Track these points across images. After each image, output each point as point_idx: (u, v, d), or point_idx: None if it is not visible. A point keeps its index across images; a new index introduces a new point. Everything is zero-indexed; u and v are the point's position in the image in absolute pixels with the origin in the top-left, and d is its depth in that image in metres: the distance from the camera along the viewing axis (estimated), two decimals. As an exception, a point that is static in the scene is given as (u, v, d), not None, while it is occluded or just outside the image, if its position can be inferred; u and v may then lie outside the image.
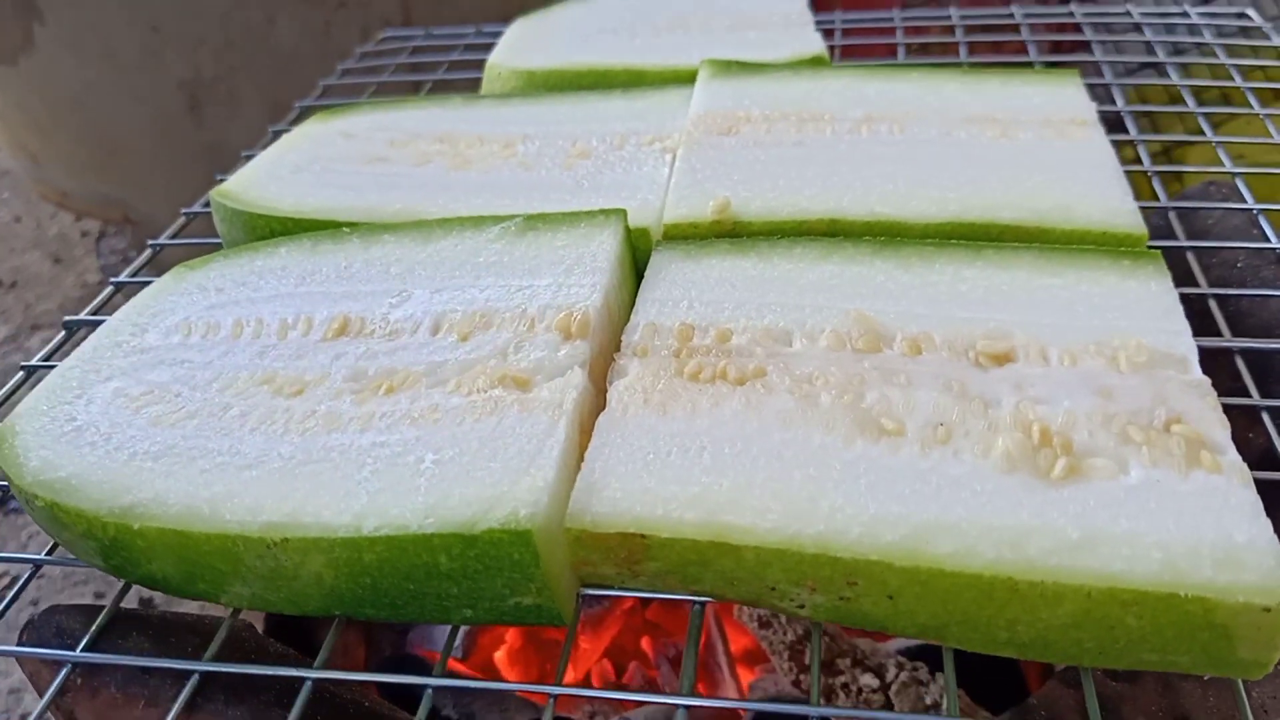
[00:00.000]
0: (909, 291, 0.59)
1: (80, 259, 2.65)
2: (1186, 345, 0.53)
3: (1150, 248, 0.62)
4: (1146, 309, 0.56)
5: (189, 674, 0.51)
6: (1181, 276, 0.68)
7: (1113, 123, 0.81)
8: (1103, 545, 0.44)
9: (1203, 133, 0.85)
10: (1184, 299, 0.57)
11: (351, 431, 0.53)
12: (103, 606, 0.55)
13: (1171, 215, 0.75)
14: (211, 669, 0.51)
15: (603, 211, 0.66)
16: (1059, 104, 0.76)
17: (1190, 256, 0.71)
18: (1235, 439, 0.48)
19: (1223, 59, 0.97)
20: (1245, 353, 0.62)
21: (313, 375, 0.57)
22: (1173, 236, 0.73)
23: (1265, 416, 0.58)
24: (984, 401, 0.51)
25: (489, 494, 0.48)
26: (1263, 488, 0.46)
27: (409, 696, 0.67)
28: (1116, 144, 0.74)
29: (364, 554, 0.47)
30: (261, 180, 0.77)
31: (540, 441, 0.50)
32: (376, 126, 0.85)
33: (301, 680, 0.50)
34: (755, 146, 0.74)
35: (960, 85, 0.80)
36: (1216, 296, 0.67)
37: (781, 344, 0.56)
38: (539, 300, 0.60)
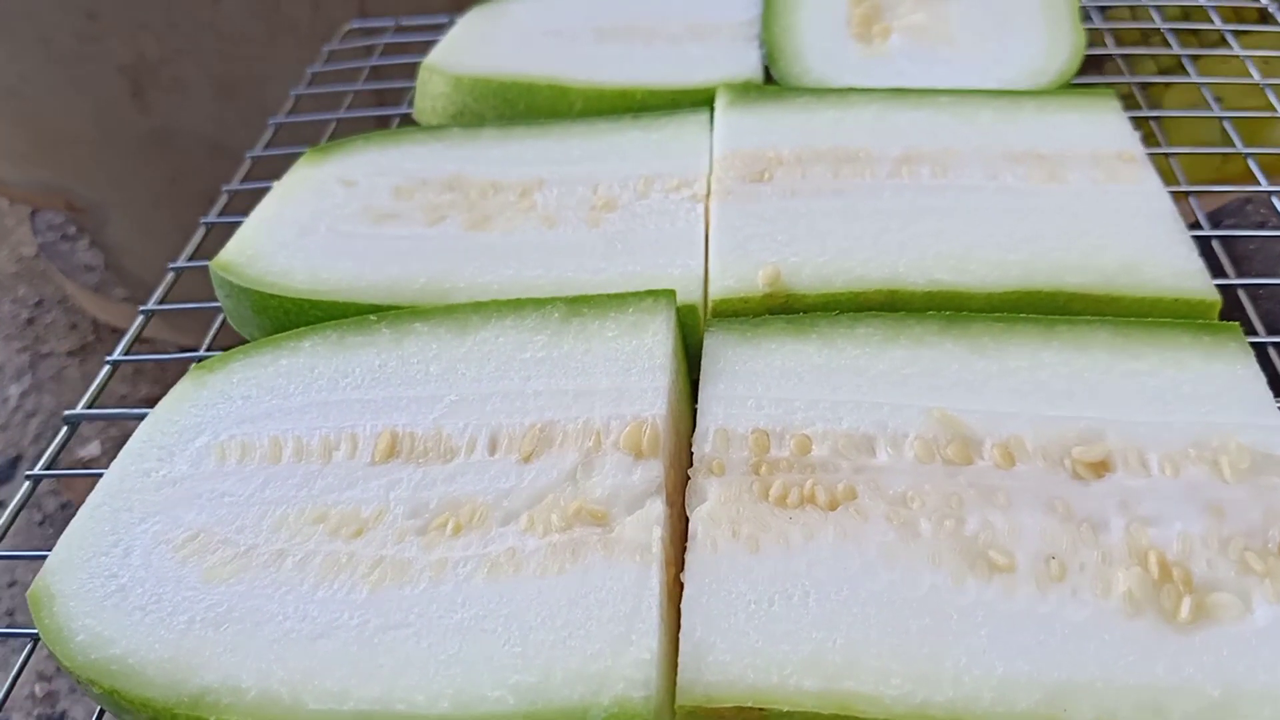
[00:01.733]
0: (988, 383, 0.56)
1: (13, 230, 2.53)
2: (1287, 445, 0.52)
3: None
4: (1238, 398, 0.54)
5: None
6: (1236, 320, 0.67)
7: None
8: (1243, 704, 0.42)
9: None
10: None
11: (425, 584, 0.50)
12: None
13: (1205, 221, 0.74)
14: None
15: (651, 294, 0.62)
16: (1101, 134, 0.73)
17: (1242, 294, 0.69)
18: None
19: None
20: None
21: (369, 511, 0.54)
22: (1215, 257, 0.72)
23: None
24: (1092, 525, 0.49)
25: (593, 669, 0.45)
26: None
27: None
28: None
29: (466, 743, 0.44)
30: (265, 247, 0.72)
31: (636, 598, 0.47)
32: (376, 170, 0.79)
33: None
34: (793, 197, 0.71)
35: (995, 113, 0.76)
36: (1275, 346, 0.66)
37: (866, 454, 0.54)
38: (601, 410, 0.56)
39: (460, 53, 0.93)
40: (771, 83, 0.86)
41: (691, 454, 0.55)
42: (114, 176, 1.70)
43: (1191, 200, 0.78)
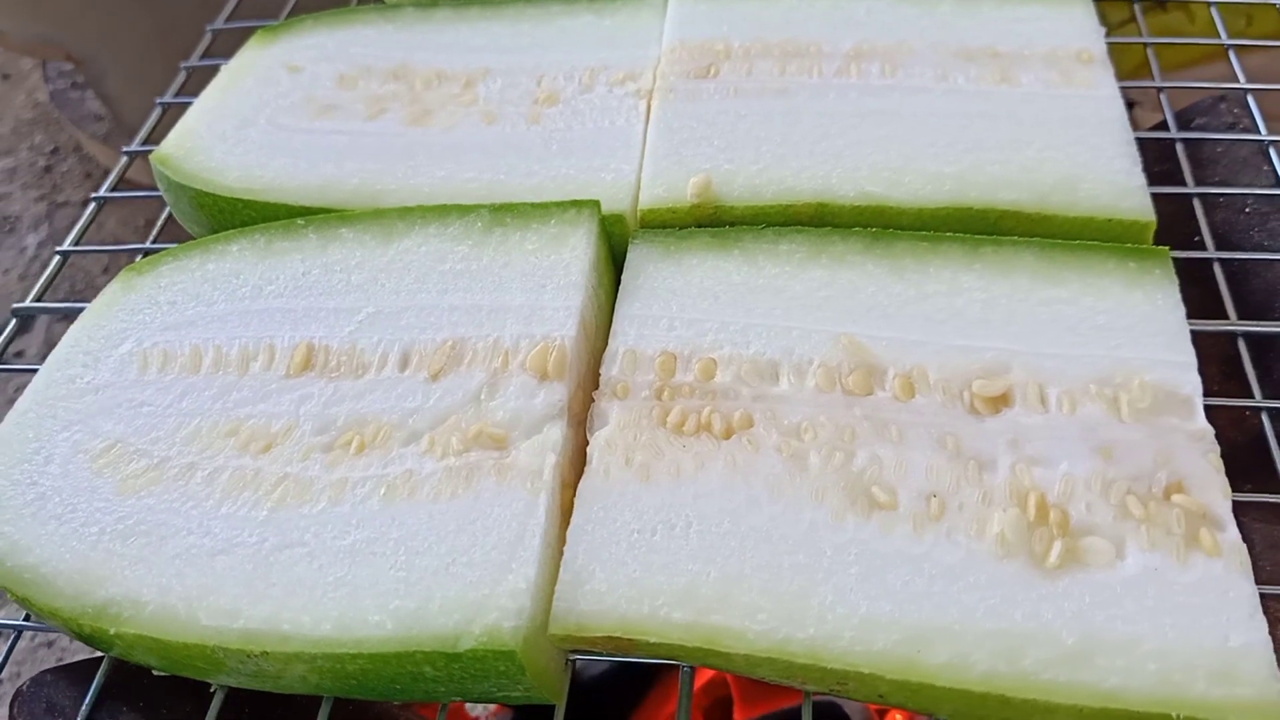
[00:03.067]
0: (904, 308, 0.55)
1: (29, 74, 2.51)
2: (1192, 385, 0.51)
3: (1154, 195, 0.59)
4: (1152, 331, 0.53)
5: (186, 748, 0.51)
6: (1184, 233, 0.65)
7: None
8: (1099, 655, 0.43)
9: None
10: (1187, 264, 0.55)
11: (323, 504, 0.51)
12: (96, 663, 0.55)
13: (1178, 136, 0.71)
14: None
15: (575, 204, 0.61)
16: (1064, 30, 0.70)
17: (1197, 204, 0.67)
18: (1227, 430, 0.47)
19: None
20: (1248, 336, 0.60)
21: (279, 425, 0.55)
22: (1175, 160, 0.69)
23: (1265, 419, 0.56)
24: (979, 464, 0.49)
25: (471, 598, 0.46)
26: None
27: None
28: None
29: (347, 664, 0.46)
30: (205, 140, 0.71)
31: (520, 526, 0.49)
32: (322, 55, 0.78)
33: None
34: (735, 96, 0.68)
35: (956, 3, 0.73)
36: (1221, 261, 0.64)
37: (769, 382, 0.54)
38: (511, 328, 0.56)
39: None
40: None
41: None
42: (105, 28, 1.68)
43: (1162, 97, 0.75)
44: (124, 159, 0.84)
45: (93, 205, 0.79)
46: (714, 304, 0.57)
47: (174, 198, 0.71)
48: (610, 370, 0.55)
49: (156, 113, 0.87)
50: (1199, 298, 0.60)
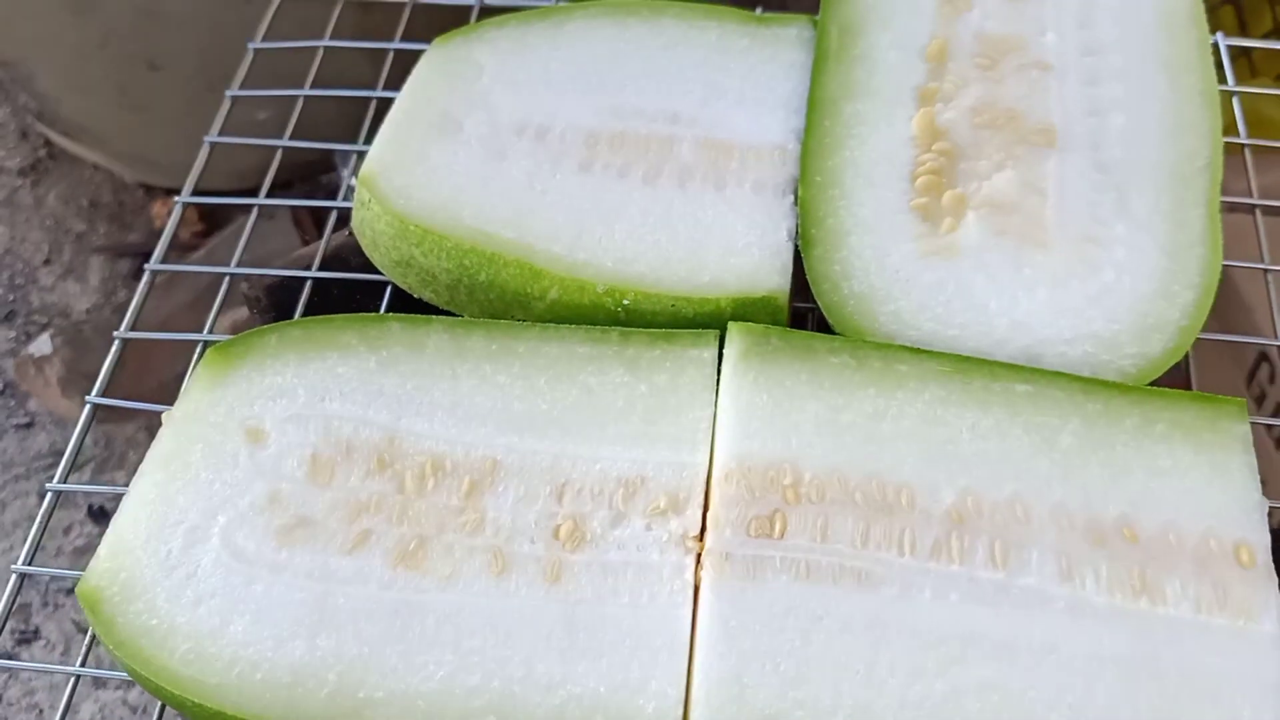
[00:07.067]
0: None
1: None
2: None
3: None
4: None
5: None
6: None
7: None
8: None
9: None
10: None
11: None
12: None
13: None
14: None
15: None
16: (1219, 497, 0.57)
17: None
18: None
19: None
20: None
21: None
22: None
23: None
24: None
25: None
26: None
27: None
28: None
29: None
30: (145, 569, 0.57)
31: None
32: (291, 411, 0.62)
33: None
34: (807, 579, 0.55)
35: (1079, 435, 0.58)
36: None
37: None
38: None
39: (406, 164, 0.72)
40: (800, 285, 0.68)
41: None
42: (38, 37, 1.46)
43: (1246, 156, 0.62)
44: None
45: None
46: None
47: (110, 654, 0.57)
48: None
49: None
50: None
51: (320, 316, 0.67)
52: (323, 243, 0.77)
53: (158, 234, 1.67)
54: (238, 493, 0.60)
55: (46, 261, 1.86)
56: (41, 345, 1.60)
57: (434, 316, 0.67)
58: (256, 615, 0.56)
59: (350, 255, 0.77)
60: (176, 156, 0.95)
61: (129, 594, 0.57)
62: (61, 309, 1.79)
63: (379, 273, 0.75)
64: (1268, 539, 0.55)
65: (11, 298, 1.82)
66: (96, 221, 1.89)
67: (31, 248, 1.88)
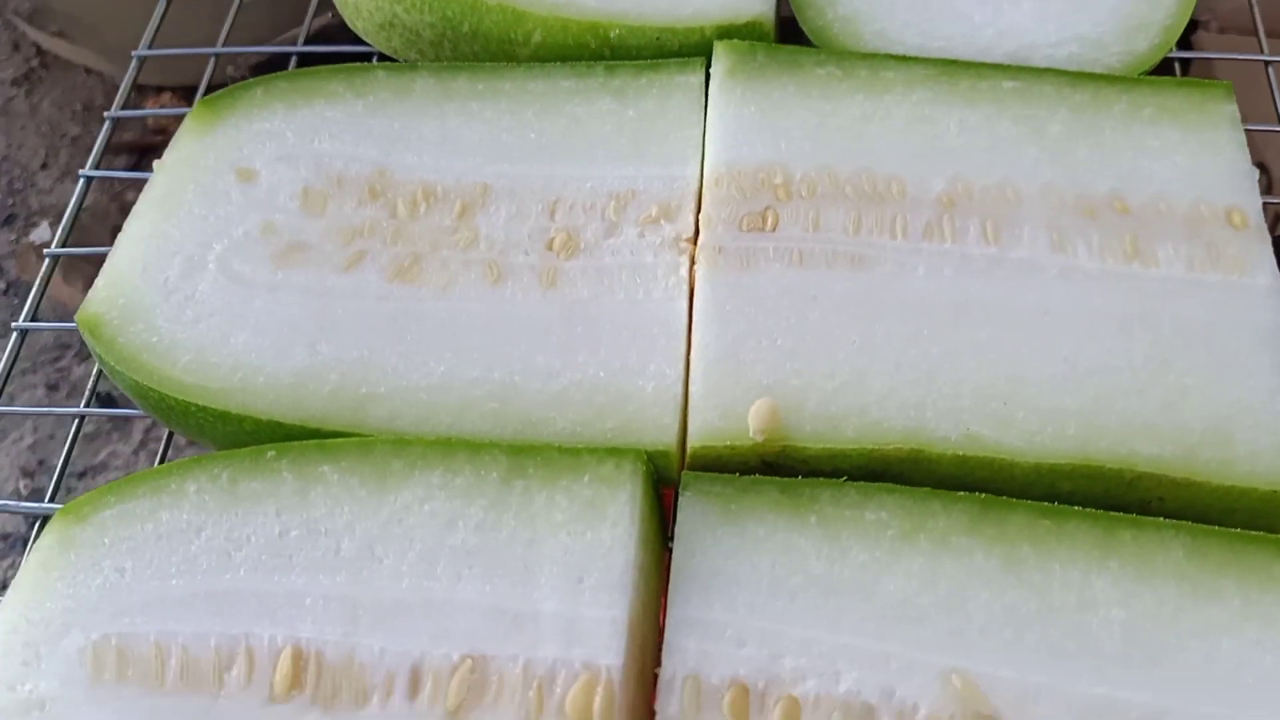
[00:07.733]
0: (1024, 632, 0.45)
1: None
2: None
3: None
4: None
5: None
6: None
7: None
8: None
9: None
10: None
11: None
12: None
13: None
14: None
15: (613, 455, 0.49)
16: (1209, 170, 0.57)
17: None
18: None
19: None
20: None
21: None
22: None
23: None
24: None
25: None
26: None
27: None
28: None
29: None
30: (143, 295, 0.58)
31: None
32: (281, 152, 0.63)
33: None
34: (801, 265, 0.55)
35: (1068, 124, 0.58)
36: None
37: (865, 736, 0.44)
38: (545, 648, 0.46)
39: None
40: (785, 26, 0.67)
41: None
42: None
43: None
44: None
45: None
46: (790, 605, 0.47)
47: (112, 375, 0.58)
48: (668, 708, 0.45)
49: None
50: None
51: (305, 69, 0.67)
52: (306, 21, 0.76)
53: (152, 131, 1.68)
54: (232, 224, 0.60)
55: (44, 165, 1.86)
56: (41, 233, 1.60)
57: (420, 63, 0.66)
58: (257, 328, 0.57)
59: (335, 34, 0.77)
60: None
61: (128, 316, 0.57)
62: (60, 209, 1.80)
63: (364, 44, 0.74)
64: (1259, 203, 0.55)
65: (11, 201, 1.82)
66: (91, 124, 1.89)
67: (29, 153, 1.88)
